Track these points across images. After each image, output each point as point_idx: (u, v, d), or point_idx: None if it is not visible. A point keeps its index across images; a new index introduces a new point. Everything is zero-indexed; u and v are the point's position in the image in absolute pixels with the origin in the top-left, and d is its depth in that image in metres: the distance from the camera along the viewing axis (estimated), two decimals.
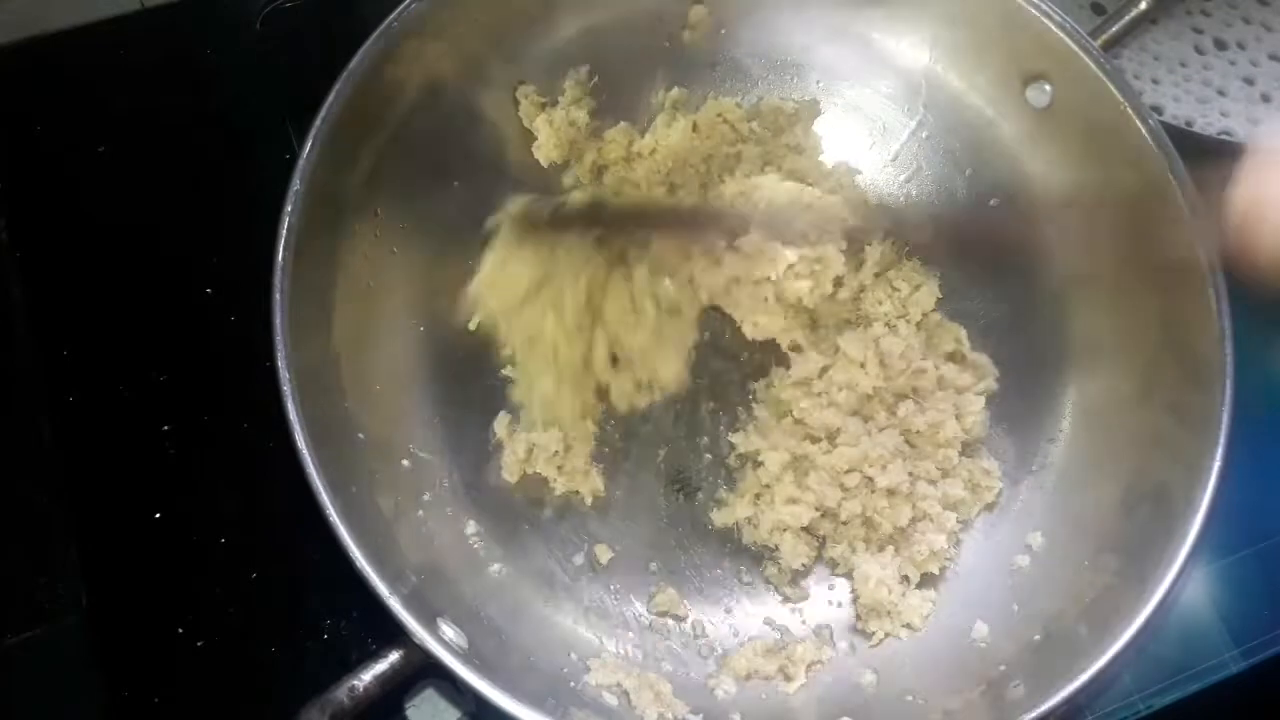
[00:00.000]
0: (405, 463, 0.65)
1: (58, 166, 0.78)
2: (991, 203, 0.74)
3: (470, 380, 0.70)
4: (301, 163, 0.60)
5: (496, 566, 0.65)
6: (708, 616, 0.66)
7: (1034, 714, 0.54)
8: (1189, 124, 0.77)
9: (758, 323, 0.72)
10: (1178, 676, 0.66)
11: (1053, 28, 0.67)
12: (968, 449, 0.69)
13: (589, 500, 0.68)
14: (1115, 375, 0.68)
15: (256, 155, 0.77)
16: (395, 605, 0.53)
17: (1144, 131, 0.64)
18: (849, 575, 0.67)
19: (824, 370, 0.70)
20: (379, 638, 0.59)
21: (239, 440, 0.70)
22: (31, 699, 0.64)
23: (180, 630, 0.65)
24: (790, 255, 0.70)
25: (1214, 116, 0.78)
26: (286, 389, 0.56)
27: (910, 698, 0.62)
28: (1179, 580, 0.57)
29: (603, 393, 0.69)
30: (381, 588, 0.53)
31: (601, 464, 0.69)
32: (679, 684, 0.63)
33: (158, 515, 0.68)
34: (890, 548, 0.66)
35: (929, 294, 0.72)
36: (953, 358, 0.71)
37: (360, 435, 0.62)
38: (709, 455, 0.70)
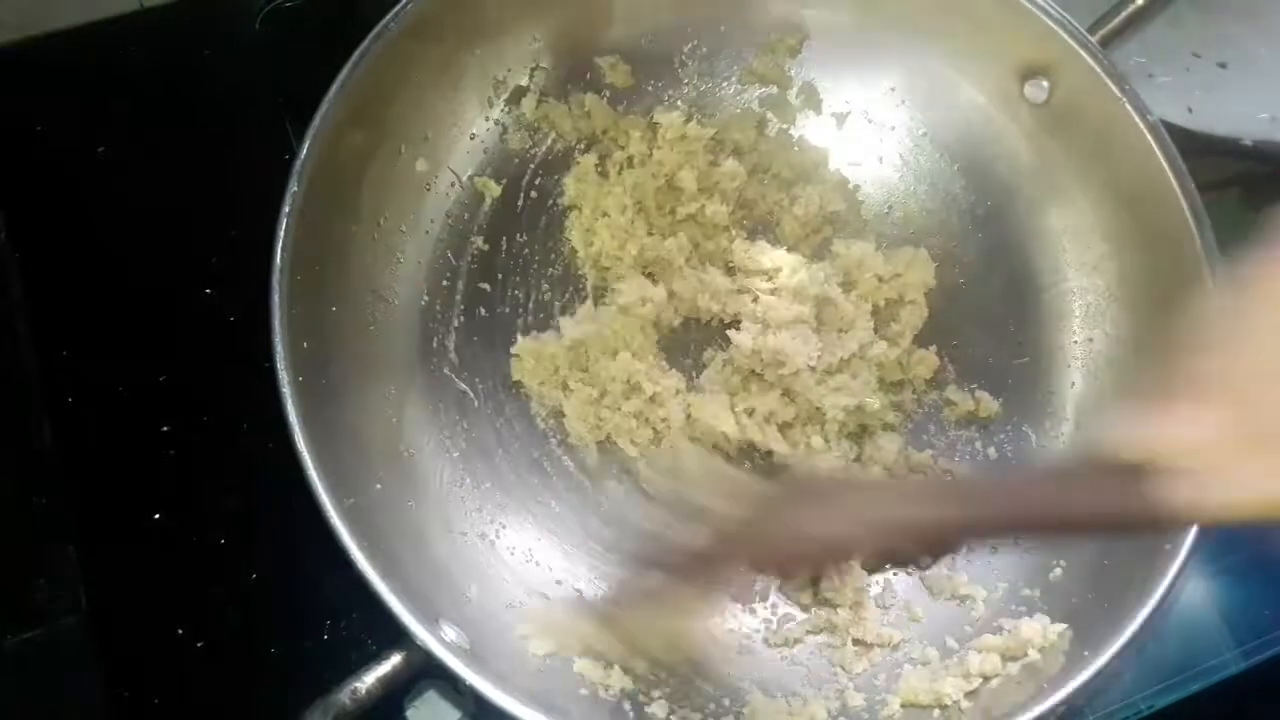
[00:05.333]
0: (405, 463, 0.65)
1: (58, 166, 0.78)
2: (983, 208, 0.74)
3: (472, 380, 0.70)
4: (301, 163, 0.60)
5: (498, 566, 0.65)
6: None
7: (1034, 714, 0.54)
8: (1187, 120, 0.77)
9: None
10: (1178, 676, 0.66)
11: (1051, 23, 0.66)
12: None
13: None
14: (1114, 374, 0.68)
15: (256, 155, 0.77)
16: (396, 606, 0.53)
17: (1143, 127, 0.64)
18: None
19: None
20: (379, 638, 0.59)
21: (239, 440, 0.70)
22: (31, 699, 0.64)
23: (180, 630, 0.65)
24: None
25: (1215, 113, 0.77)
26: (286, 389, 0.56)
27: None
28: (1179, 580, 0.57)
29: None
30: (382, 588, 0.53)
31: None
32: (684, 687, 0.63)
33: (158, 515, 0.68)
34: None
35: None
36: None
37: (360, 435, 0.62)
38: None
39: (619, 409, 0.68)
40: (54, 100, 0.80)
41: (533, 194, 0.74)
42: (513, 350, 0.70)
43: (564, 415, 0.69)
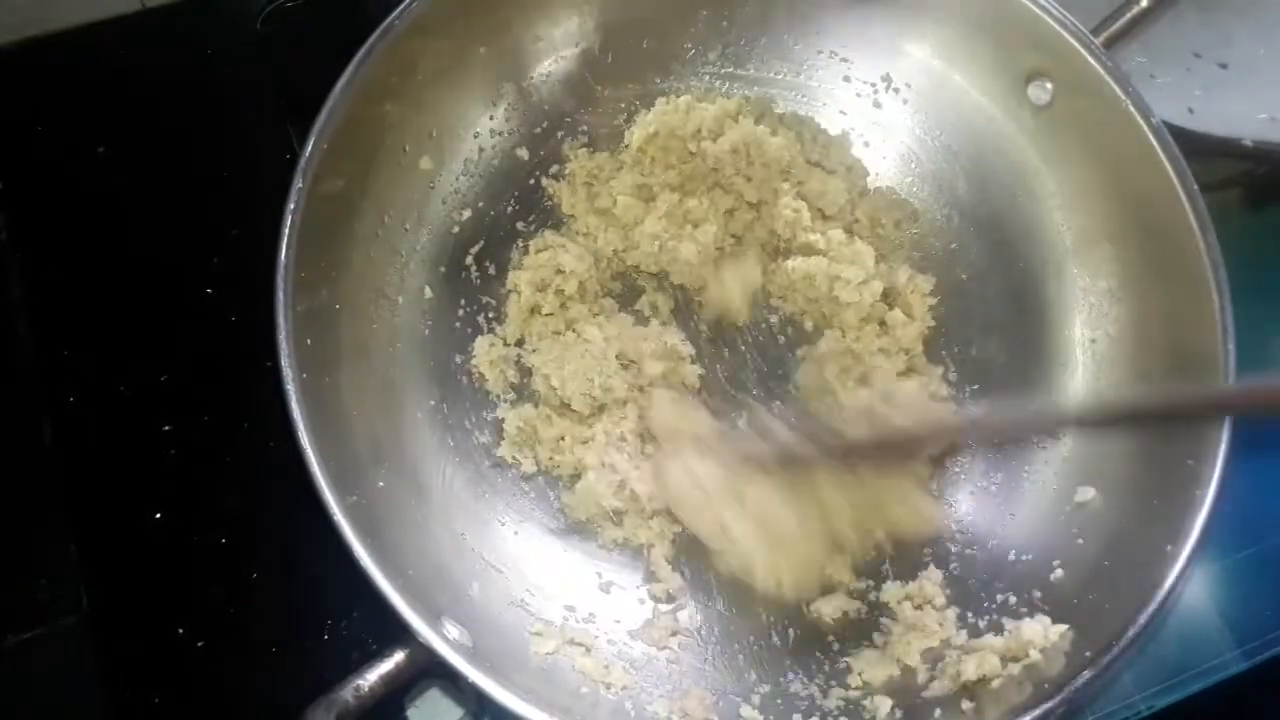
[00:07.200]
0: (408, 462, 0.65)
1: (58, 166, 0.78)
2: (985, 208, 0.75)
3: (475, 380, 0.70)
4: (302, 163, 0.60)
5: (500, 565, 0.65)
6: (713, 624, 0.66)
7: (1035, 713, 0.54)
8: (1188, 121, 0.77)
9: None
10: (1178, 676, 0.66)
11: (1053, 24, 0.67)
12: None
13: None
14: (1116, 374, 0.68)
15: (256, 155, 0.77)
16: (399, 604, 0.53)
17: (1145, 129, 0.65)
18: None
19: None
20: (381, 637, 0.59)
21: (239, 440, 0.70)
22: (31, 699, 0.64)
23: (180, 630, 0.65)
24: None
25: (1215, 114, 0.78)
26: (290, 387, 0.56)
27: None
28: (1179, 580, 0.57)
29: None
30: (385, 586, 0.53)
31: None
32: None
33: (158, 515, 0.68)
34: None
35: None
36: None
37: (362, 434, 0.62)
38: None
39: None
40: (54, 100, 0.80)
41: (537, 193, 0.74)
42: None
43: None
